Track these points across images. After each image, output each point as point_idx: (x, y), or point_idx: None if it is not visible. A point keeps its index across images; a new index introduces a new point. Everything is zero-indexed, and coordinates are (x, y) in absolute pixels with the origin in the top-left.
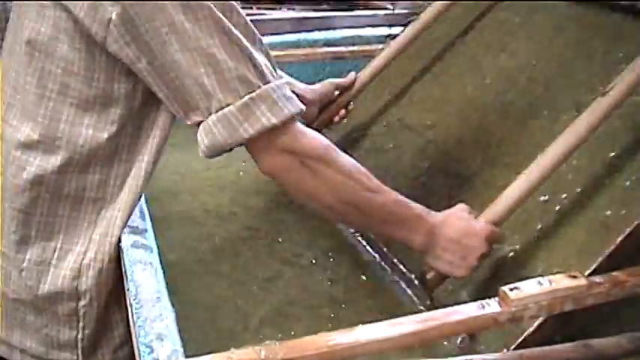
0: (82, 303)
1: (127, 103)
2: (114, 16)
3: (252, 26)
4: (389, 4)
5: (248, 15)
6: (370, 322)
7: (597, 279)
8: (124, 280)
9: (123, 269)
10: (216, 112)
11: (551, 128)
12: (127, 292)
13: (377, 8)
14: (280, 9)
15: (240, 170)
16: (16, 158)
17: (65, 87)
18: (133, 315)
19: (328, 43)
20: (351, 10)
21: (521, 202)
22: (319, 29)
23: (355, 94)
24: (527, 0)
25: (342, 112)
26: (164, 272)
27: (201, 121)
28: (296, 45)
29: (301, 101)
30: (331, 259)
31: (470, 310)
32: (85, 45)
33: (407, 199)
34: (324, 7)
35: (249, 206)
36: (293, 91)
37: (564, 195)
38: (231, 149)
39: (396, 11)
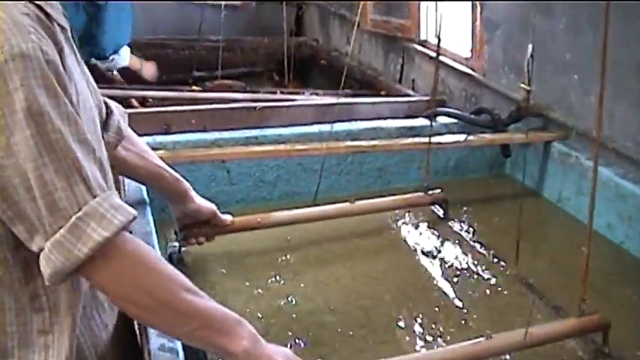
0: None
1: None
2: None
3: (87, 134)
4: (409, 90)
5: (271, 100)
6: None
7: None
8: None
9: None
10: (51, 236)
11: None
12: None
13: (398, 95)
14: (304, 93)
15: None
16: None
17: None
18: None
19: (350, 134)
20: (373, 96)
21: None
22: (341, 120)
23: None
24: None
25: (202, 239)
26: None
27: (42, 249)
28: (319, 137)
29: (199, 211)
30: None
31: None
32: None
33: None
34: (347, 92)
35: None
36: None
37: None
38: (74, 272)
39: (417, 98)
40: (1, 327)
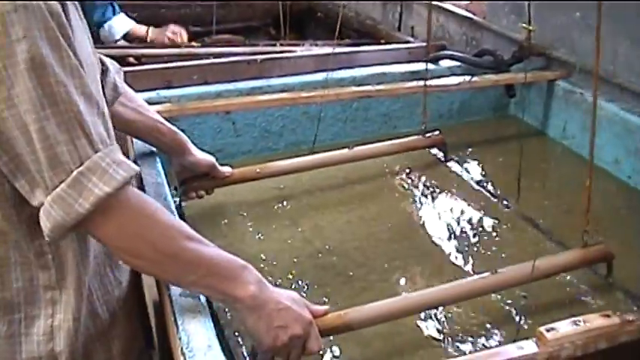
0: None
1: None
2: None
3: (90, 87)
4: (409, 37)
5: (271, 53)
6: None
7: (630, 317)
8: (173, 329)
9: (171, 318)
10: (52, 191)
11: None
12: (178, 340)
13: (398, 42)
14: (303, 45)
15: None
16: None
17: None
18: None
19: (355, 81)
20: (373, 44)
21: (381, 320)
22: (343, 67)
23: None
24: None
25: (202, 192)
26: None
27: (43, 203)
28: (323, 85)
29: (197, 164)
30: None
31: (509, 351)
32: None
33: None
34: (346, 41)
35: None
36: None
37: None
38: (75, 227)
39: (417, 44)
40: (7, 283)
